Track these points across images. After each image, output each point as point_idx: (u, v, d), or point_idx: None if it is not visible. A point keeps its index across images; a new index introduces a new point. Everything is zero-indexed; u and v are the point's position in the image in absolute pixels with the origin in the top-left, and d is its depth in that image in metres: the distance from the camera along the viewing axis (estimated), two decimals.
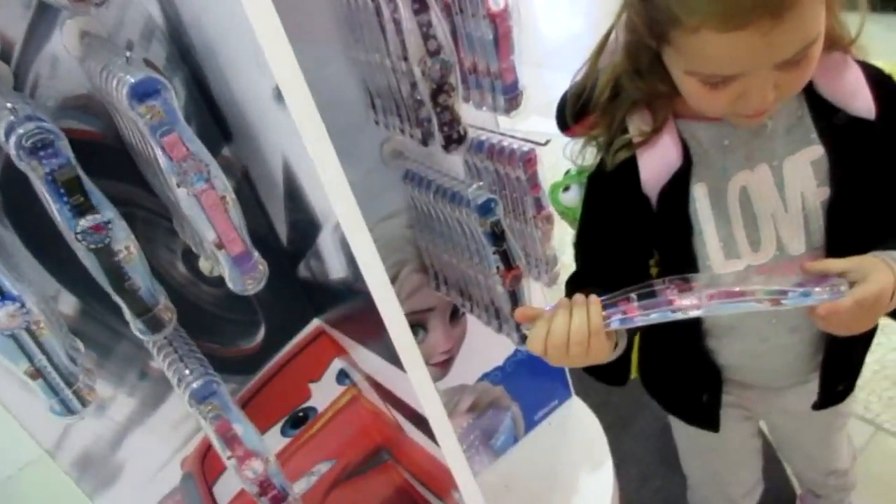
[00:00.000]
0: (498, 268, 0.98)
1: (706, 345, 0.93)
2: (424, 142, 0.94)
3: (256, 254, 0.77)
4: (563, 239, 1.11)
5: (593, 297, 0.77)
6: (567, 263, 1.15)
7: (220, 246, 0.74)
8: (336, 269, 0.83)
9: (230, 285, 0.77)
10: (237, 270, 0.76)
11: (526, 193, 1.05)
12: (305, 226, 0.83)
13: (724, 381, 0.97)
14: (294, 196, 0.80)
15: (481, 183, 0.95)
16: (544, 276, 1.14)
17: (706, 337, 0.93)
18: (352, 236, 0.70)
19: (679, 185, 0.80)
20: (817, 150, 0.79)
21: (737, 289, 0.75)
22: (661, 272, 0.89)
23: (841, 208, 0.80)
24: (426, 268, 1.17)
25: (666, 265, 0.90)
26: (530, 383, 1.42)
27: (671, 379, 1.03)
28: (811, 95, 0.78)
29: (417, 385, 0.86)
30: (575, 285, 0.87)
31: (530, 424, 1.46)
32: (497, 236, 0.96)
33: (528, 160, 1.01)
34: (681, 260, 0.85)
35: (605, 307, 0.76)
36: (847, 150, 0.79)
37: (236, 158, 0.92)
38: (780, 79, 0.69)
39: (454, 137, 0.92)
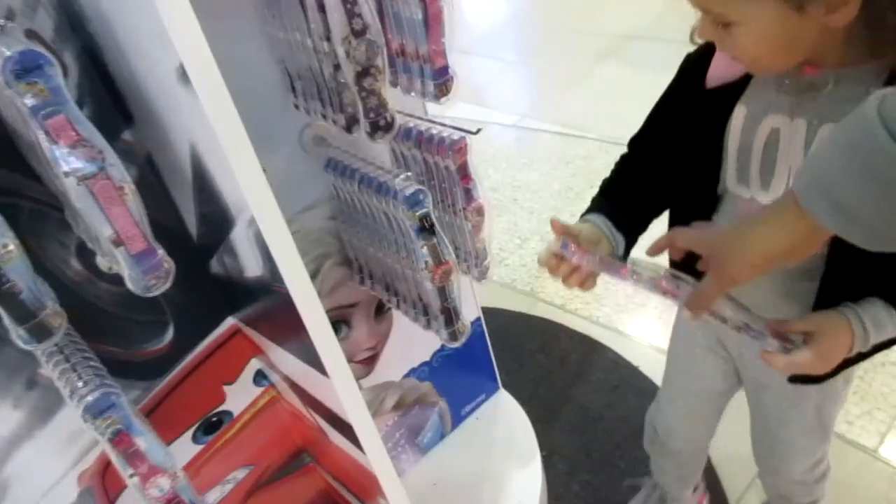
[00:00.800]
0: (426, 263, 0.93)
1: None
2: (348, 128, 0.87)
3: (161, 250, 0.69)
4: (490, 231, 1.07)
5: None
6: (494, 254, 1.11)
7: (118, 242, 0.66)
8: (252, 267, 0.76)
9: (130, 286, 0.69)
10: (138, 269, 0.68)
11: (456, 184, 1.00)
12: (217, 219, 0.76)
13: None
14: (204, 186, 0.72)
15: (409, 173, 0.90)
16: (474, 269, 1.10)
17: None
18: (269, 232, 0.63)
19: (728, 95, 0.85)
20: None
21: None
22: (685, 181, 0.94)
23: None
24: (350, 261, 1.11)
25: (691, 171, 0.93)
26: (458, 378, 1.38)
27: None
28: (891, 81, 0.73)
29: (341, 392, 0.80)
30: (605, 196, 1.00)
31: (458, 420, 1.42)
32: (426, 230, 0.91)
33: (459, 149, 0.96)
34: (704, 164, 0.89)
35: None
36: None
37: (138, 143, 0.83)
38: (720, 36, 0.76)
39: (381, 124, 0.86)
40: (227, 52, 0.61)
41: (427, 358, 1.32)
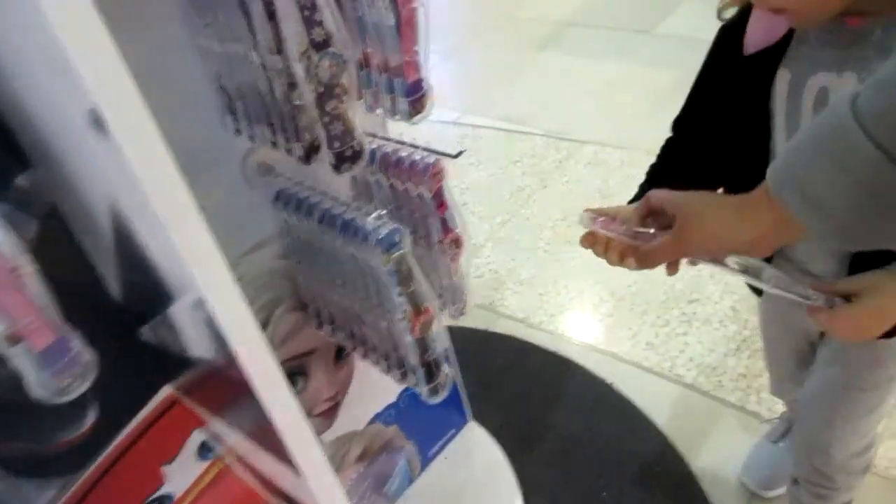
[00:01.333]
0: (405, 312, 0.79)
1: None
2: (307, 158, 0.72)
3: (75, 339, 0.53)
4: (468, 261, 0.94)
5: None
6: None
7: (14, 338, 0.50)
8: (198, 347, 0.60)
9: (37, 392, 0.52)
10: (46, 371, 0.51)
11: (431, 214, 0.86)
12: (149, 290, 0.59)
13: (774, 254, 0.91)
14: (130, 253, 0.56)
15: (382, 212, 0.75)
16: (451, 307, 0.96)
17: None
18: (228, 325, 0.48)
19: (769, 59, 0.80)
20: None
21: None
22: (734, 155, 0.88)
23: None
24: (305, 304, 0.96)
25: (740, 143, 0.87)
26: (425, 416, 1.24)
27: None
28: None
29: (311, 483, 0.65)
30: (652, 181, 0.92)
31: (426, 461, 1.29)
32: (403, 274, 0.77)
33: (434, 175, 0.82)
34: (753, 135, 0.84)
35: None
36: None
37: (38, 190, 0.65)
38: None
39: (347, 154, 0.71)
40: (148, 69, 0.45)
41: (393, 399, 1.17)
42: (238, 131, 0.78)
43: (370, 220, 0.73)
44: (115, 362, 0.72)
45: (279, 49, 0.64)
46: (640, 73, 2.76)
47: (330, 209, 0.78)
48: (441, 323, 0.83)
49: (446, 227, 0.88)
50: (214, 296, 0.48)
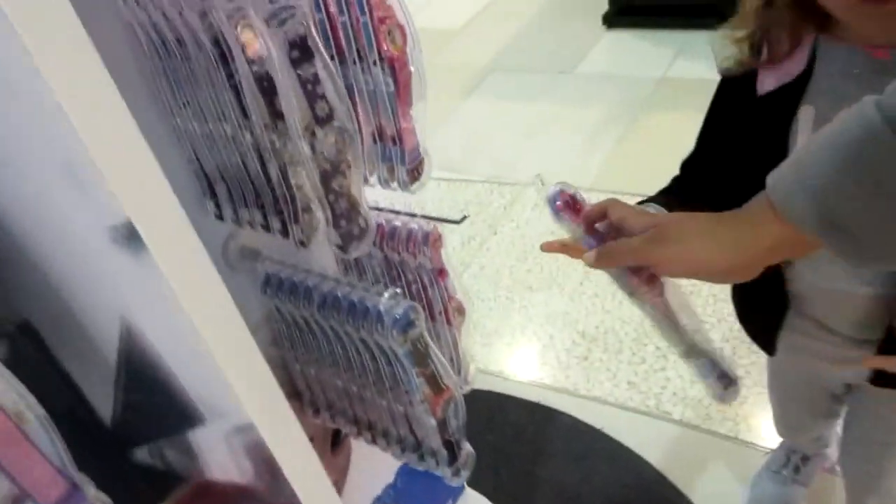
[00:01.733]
0: (424, 394, 0.73)
1: (782, 269, 0.89)
2: (307, 241, 0.66)
3: (89, 487, 0.45)
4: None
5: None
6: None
7: (21, 499, 0.41)
8: (226, 472, 0.52)
9: None
10: None
11: (432, 283, 0.81)
12: (160, 412, 0.51)
13: (790, 310, 0.92)
14: (142, 376, 0.48)
15: (397, 290, 0.69)
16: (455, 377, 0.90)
17: (784, 262, 0.87)
18: (281, 451, 0.41)
19: (788, 96, 0.77)
20: None
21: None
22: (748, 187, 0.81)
23: None
24: (299, 392, 0.88)
25: (755, 186, 0.78)
26: (421, 490, 1.17)
27: (745, 291, 0.98)
28: None
29: None
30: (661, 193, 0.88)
31: None
32: (420, 354, 0.71)
33: (434, 243, 0.78)
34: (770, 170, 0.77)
35: None
36: None
37: (5, 305, 0.57)
38: None
39: (354, 233, 0.65)
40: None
41: (391, 480, 1.10)
42: (218, 216, 0.72)
43: (384, 300, 0.67)
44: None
45: (276, 126, 0.58)
46: (567, 111, 2.81)
47: (332, 290, 0.72)
48: (460, 399, 0.77)
49: (448, 294, 0.83)
50: (266, 422, 0.41)
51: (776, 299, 0.93)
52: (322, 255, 0.84)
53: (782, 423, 1.26)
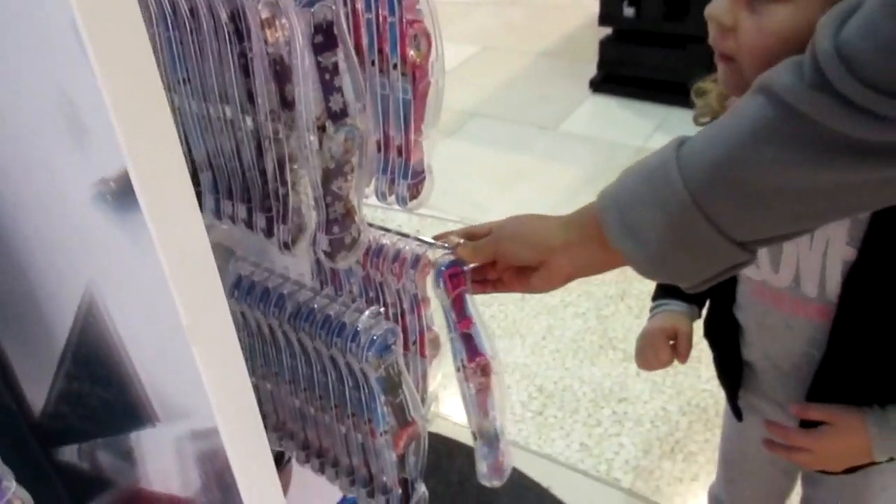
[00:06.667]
0: (389, 426, 0.68)
1: (738, 337, 0.92)
2: (292, 243, 0.61)
3: (10, 480, 0.39)
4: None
5: None
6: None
7: None
8: (167, 481, 0.47)
9: None
10: None
11: (412, 310, 0.76)
12: (106, 407, 0.46)
13: (745, 378, 0.94)
14: (88, 359, 0.43)
15: (380, 309, 0.65)
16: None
17: (739, 331, 0.91)
18: (241, 463, 0.36)
19: None
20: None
21: None
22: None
23: (861, 279, 0.75)
24: None
25: None
26: None
27: (715, 352, 1.01)
28: None
29: None
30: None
31: None
32: (393, 383, 0.66)
33: (423, 267, 0.73)
34: None
35: None
36: (891, 231, 0.71)
37: None
38: (742, 19, 0.63)
39: (346, 242, 0.60)
40: None
41: None
42: (198, 207, 0.66)
43: (364, 318, 0.63)
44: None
45: (282, 116, 0.54)
46: (543, 167, 2.82)
47: (308, 301, 0.67)
48: (424, 436, 0.72)
49: (426, 326, 0.78)
50: (233, 429, 0.36)
51: (733, 365, 0.95)
52: (300, 263, 0.79)
53: (734, 498, 1.22)
